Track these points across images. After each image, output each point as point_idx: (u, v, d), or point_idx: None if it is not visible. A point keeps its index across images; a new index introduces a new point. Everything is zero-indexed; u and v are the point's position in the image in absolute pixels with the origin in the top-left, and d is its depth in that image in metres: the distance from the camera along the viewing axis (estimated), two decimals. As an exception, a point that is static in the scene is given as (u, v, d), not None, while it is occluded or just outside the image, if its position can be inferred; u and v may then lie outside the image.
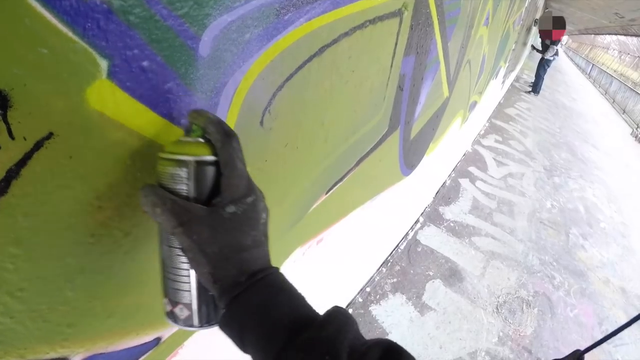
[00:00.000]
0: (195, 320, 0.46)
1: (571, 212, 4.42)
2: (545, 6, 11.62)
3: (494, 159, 5.01)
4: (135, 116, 0.42)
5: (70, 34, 0.34)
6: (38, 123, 0.34)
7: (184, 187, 0.43)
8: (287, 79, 0.64)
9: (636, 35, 10.93)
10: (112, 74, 0.38)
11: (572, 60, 37.41)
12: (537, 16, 9.72)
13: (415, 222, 3.15)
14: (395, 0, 0.98)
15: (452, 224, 3.32)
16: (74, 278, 0.46)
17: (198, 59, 0.47)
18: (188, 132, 0.45)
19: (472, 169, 4.49)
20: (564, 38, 40.48)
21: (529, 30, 9.02)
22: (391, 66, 1.13)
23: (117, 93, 0.39)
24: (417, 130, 1.89)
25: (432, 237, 3.07)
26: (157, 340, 0.66)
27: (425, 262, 2.81)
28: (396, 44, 1.10)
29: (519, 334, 2.52)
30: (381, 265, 2.62)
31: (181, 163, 0.42)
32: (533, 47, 10.94)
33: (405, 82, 1.35)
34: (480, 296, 2.70)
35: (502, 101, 7.98)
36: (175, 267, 0.45)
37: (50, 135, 0.35)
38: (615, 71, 21.42)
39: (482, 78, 3.66)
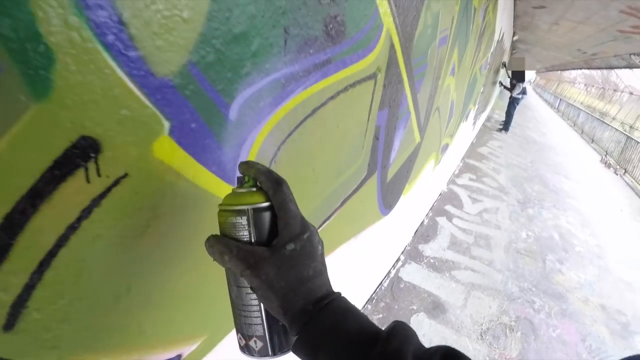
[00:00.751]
0: (269, 350, 0.49)
1: (546, 240, 4.55)
2: (512, 47, 12.10)
3: (469, 197, 5.16)
4: (183, 164, 0.55)
5: (146, 101, 0.47)
6: (118, 165, 0.46)
7: (246, 233, 0.47)
8: (288, 135, 0.79)
9: (599, 68, 11.53)
10: (171, 132, 0.51)
11: (540, 96, 37.76)
12: (505, 58, 10.09)
13: (397, 260, 3.23)
14: (370, 65, 1.15)
15: (432, 260, 3.42)
16: (120, 295, 0.55)
17: (227, 122, 0.60)
18: (241, 183, 0.50)
19: (448, 207, 4.63)
20: (532, 75, 41.12)
21: (497, 71, 9.37)
22: (368, 120, 1.30)
23: (173, 146, 0.52)
24: (393, 173, 2.05)
25: (414, 274, 3.15)
26: (179, 357, 0.73)
27: (409, 297, 2.88)
28: (372, 100, 1.27)
29: (505, 358, 2.59)
30: (366, 303, 2.67)
31: (241, 212, 0.46)
32: (500, 84, 11.29)
33: (381, 132, 1.52)
34: (464, 325, 2.77)
35: (474, 141, 8.17)
36: (245, 305, 0.49)
37: (125, 175, 0.47)
38: (582, 103, 21.98)
39: (452, 122, 3.89)
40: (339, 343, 0.45)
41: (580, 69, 14.54)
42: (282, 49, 0.67)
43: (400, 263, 3.23)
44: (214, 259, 0.47)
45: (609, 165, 10.76)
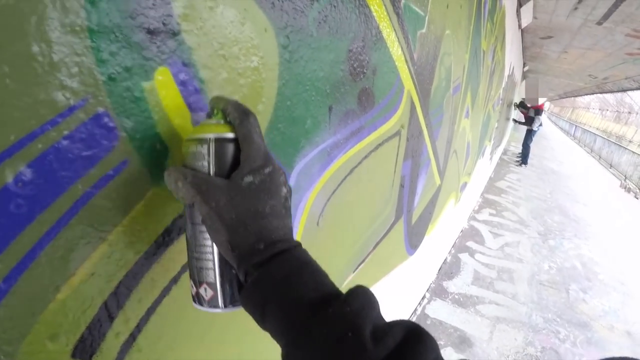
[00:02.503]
0: (220, 301, 0.44)
1: (569, 270, 4.38)
2: (524, 77, 11.83)
3: (490, 232, 5.03)
4: None
5: None
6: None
7: (205, 163, 0.42)
8: (332, 193, 0.87)
9: (611, 92, 11.19)
10: None
11: (555, 124, 36.57)
12: (516, 92, 9.82)
13: (422, 298, 3.19)
14: (395, 124, 1.24)
15: (456, 296, 3.35)
16: (205, 334, 0.62)
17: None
18: (209, 116, 0.46)
19: (470, 243, 4.54)
20: (547, 105, 39.12)
21: (509, 105, 9.16)
22: (394, 171, 1.37)
23: None
24: (417, 216, 2.09)
25: (439, 310, 3.09)
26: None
27: (436, 333, 2.81)
28: (397, 154, 1.35)
29: (533, 391, 2.45)
30: (395, 340, 2.64)
31: (202, 141, 0.42)
32: (515, 121, 10.80)
33: (405, 180, 1.59)
34: (491, 358, 2.68)
35: (492, 176, 7.96)
36: (199, 245, 0.43)
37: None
38: (597, 128, 20.66)
39: (469, 161, 3.92)
40: (291, 298, 0.39)
41: (593, 93, 14.14)
42: (328, 123, 0.76)
43: (425, 300, 3.19)
44: (169, 188, 0.42)
45: (628, 190, 10.24)
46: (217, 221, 0.40)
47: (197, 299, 0.44)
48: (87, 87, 0.39)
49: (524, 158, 9.83)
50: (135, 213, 0.45)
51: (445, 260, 4.01)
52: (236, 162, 0.43)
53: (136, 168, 0.44)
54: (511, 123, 11.73)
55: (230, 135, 0.43)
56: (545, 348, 2.92)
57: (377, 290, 1.67)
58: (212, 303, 0.44)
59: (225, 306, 0.44)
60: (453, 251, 4.26)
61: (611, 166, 13.97)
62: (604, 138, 16.58)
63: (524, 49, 7.47)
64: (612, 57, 5.91)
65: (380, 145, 1.12)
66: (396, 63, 1.15)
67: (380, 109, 1.05)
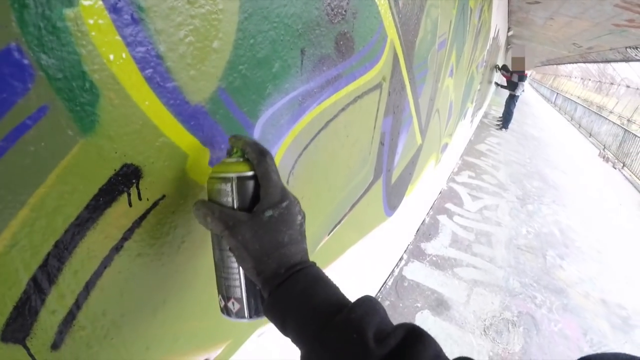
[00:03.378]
0: (246, 312, 0.51)
1: (547, 236, 4.54)
2: (508, 43, 11.85)
3: (469, 194, 5.13)
4: None
5: (182, 127, 0.49)
6: (157, 188, 0.48)
7: (229, 199, 0.48)
8: (304, 148, 0.81)
9: (595, 62, 11.36)
10: (210, 160, 0.53)
11: (537, 91, 37.01)
12: (500, 55, 9.82)
13: (400, 259, 3.25)
14: (376, 75, 1.17)
15: (434, 258, 3.43)
16: (158, 309, 0.57)
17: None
18: (230, 154, 0.51)
19: (448, 205, 4.63)
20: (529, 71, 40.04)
21: (492, 68, 9.17)
22: (374, 127, 1.31)
23: (207, 167, 0.54)
24: (396, 176, 2.06)
25: (417, 272, 3.17)
26: (206, 361, 0.76)
27: (413, 295, 2.89)
28: (377, 109, 1.29)
29: (508, 352, 2.60)
30: (372, 301, 2.69)
31: (225, 179, 0.48)
32: (497, 84, 10.93)
33: (386, 138, 1.53)
34: (468, 321, 2.79)
35: (472, 138, 8.06)
36: (226, 267, 0.51)
37: (163, 197, 0.49)
38: (579, 97, 21.11)
39: (451, 121, 3.91)
40: (306, 309, 0.46)
41: (577, 62, 14.28)
42: (299, 69, 0.68)
43: (403, 262, 3.25)
44: (199, 221, 0.49)
45: (607, 160, 10.62)
46: (243, 251, 0.47)
47: (226, 310, 0.52)
48: None
49: (505, 122, 9.99)
50: (60, 170, 0.38)
51: (424, 221, 4.07)
52: (256, 195, 0.49)
53: (59, 115, 0.37)
54: (493, 87, 11.84)
55: (250, 173, 0.49)
56: (522, 313, 3.06)
57: (354, 252, 1.66)
58: (239, 314, 0.51)
59: (251, 317, 0.52)
60: (431, 213, 4.33)
61: (590, 135, 14.33)
62: (585, 107, 16.94)
63: (510, 12, 7.42)
64: (598, 27, 5.89)
65: (359, 97, 1.04)
66: (379, 8, 1.07)
67: (360, 58, 0.97)
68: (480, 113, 9.75)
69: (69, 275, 0.43)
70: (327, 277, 0.51)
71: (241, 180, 0.49)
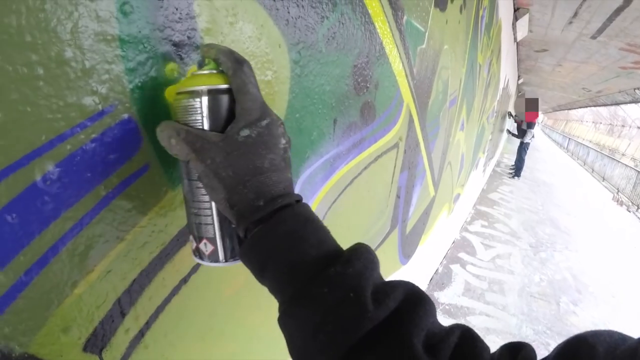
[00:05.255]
0: (220, 255, 0.43)
1: (560, 283, 4.41)
2: (518, 90, 11.87)
3: (482, 243, 5.05)
4: None
5: None
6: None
7: (199, 117, 0.40)
8: (333, 202, 0.90)
9: (605, 105, 11.30)
10: None
11: (549, 137, 36.32)
12: (511, 103, 9.78)
13: (412, 308, 3.21)
14: (394, 136, 1.28)
15: (447, 307, 3.38)
16: (205, 335, 0.64)
17: None
18: (201, 66, 0.43)
19: (461, 254, 4.56)
20: (540, 117, 38.51)
21: (504, 117, 9.17)
22: (392, 182, 1.41)
23: None
24: (411, 226, 2.13)
25: (429, 321, 3.11)
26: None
27: (424, 344, 2.83)
28: (395, 165, 1.39)
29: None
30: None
31: (194, 94, 0.40)
32: (509, 132, 10.81)
33: (401, 191, 1.62)
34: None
35: (485, 187, 7.96)
36: (196, 201, 0.42)
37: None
38: (591, 141, 20.52)
39: (463, 172, 3.98)
40: (292, 256, 0.38)
41: (587, 106, 14.17)
42: (332, 135, 0.80)
43: (416, 310, 3.20)
44: (163, 145, 0.41)
45: (621, 203, 10.28)
46: (213, 179, 0.39)
47: (198, 253, 0.44)
48: (116, 93, 0.42)
49: (517, 170, 9.81)
50: (152, 214, 0.48)
51: (437, 270, 4.03)
52: (231, 114, 0.40)
53: (155, 172, 0.47)
54: (505, 135, 11.78)
55: (224, 86, 0.40)
56: (535, 360, 2.92)
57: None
58: (213, 258, 0.43)
59: (226, 260, 0.44)
60: (445, 262, 4.28)
61: (604, 179, 13.97)
62: (597, 151, 16.58)
63: (519, 61, 7.55)
64: (605, 71, 6.01)
65: (379, 156, 1.15)
66: (397, 78, 1.19)
67: (380, 122, 1.09)
68: (493, 162, 9.69)
69: (145, 300, 0.51)
70: (317, 217, 0.42)
71: (213, 94, 0.40)
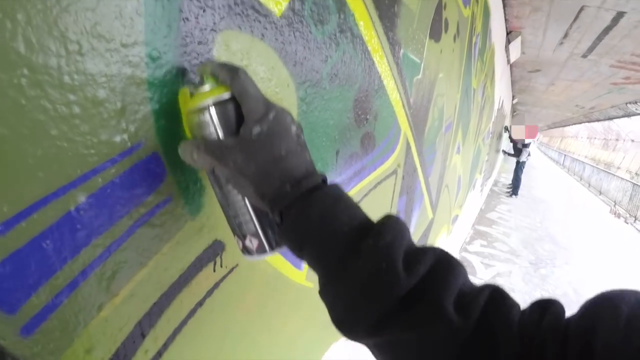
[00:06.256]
0: (266, 246, 0.46)
1: (561, 298, 4.16)
2: (513, 110, 11.97)
3: (481, 262, 5.04)
4: (275, 258, 0.69)
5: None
6: (232, 259, 0.60)
7: (212, 129, 0.43)
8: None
9: (598, 120, 11.39)
10: None
11: (545, 154, 36.42)
12: (507, 121, 9.82)
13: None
14: (392, 163, 1.32)
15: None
16: (218, 356, 0.67)
17: None
18: (201, 84, 0.45)
19: None
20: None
21: (499, 137, 9.18)
22: (391, 207, 1.44)
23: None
24: (409, 249, 2.15)
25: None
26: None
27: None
28: (393, 191, 1.43)
29: None
30: None
31: (202, 109, 0.43)
32: (504, 152, 10.83)
33: (400, 215, 1.65)
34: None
35: (483, 207, 7.96)
36: (231, 204, 0.46)
37: (237, 265, 0.61)
38: (586, 157, 20.60)
39: (460, 194, 4.01)
40: (326, 235, 0.41)
41: (581, 123, 14.27)
42: (335, 165, 0.84)
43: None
44: (187, 162, 0.44)
45: (618, 215, 10.29)
46: (240, 178, 0.42)
47: (247, 251, 0.47)
48: (143, 131, 0.45)
49: (514, 189, 9.81)
50: (173, 242, 0.51)
51: (435, 293, 3.98)
52: (240, 117, 0.43)
53: (177, 203, 0.51)
54: (501, 154, 11.77)
55: (227, 95, 0.43)
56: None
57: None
58: (260, 250, 0.47)
59: (272, 249, 0.47)
60: (443, 284, 4.22)
61: (600, 193, 14.01)
62: (593, 166, 16.63)
63: (513, 82, 7.64)
64: (598, 87, 6.10)
65: (378, 183, 1.19)
66: (394, 108, 1.25)
67: (379, 151, 1.13)
68: (490, 182, 9.68)
69: (164, 322, 0.54)
70: (346, 195, 0.45)
71: (218, 105, 0.43)
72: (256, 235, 0.46)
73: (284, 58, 0.66)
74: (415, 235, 2.20)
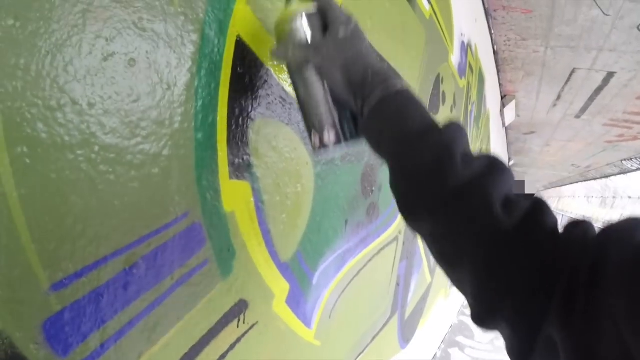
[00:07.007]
0: (341, 136, 0.52)
1: None
2: None
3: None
4: (286, 315, 0.76)
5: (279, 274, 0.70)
6: (253, 316, 0.67)
7: (302, 34, 0.50)
8: (343, 291, 1.00)
9: (595, 179, 11.26)
10: (287, 298, 0.73)
11: None
12: None
13: (412, 397, 3.07)
14: (394, 230, 1.41)
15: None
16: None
17: (312, 286, 0.82)
18: (288, 2, 0.53)
19: (459, 338, 4.32)
20: None
21: None
22: (392, 271, 1.50)
23: (286, 307, 0.74)
24: (410, 311, 2.15)
25: (428, 412, 2.95)
26: None
27: None
28: (395, 257, 1.50)
29: None
30: None
31: (294, 19, 0.50)
32: None
33: (401, 280, 1.70)
34: None
35: None
36: (313, 97, 0.52)
37: (256, 322, 0.68)
38: (584, 216, 20.20)
39: (458, 262, 3.99)
40: (401, 128, 0.46)
41: (578, 182, 14.17)
42: (344, 233, 0.93)
43: (415, 400, 3.05)
44: (280, 59, 0.54)
45: None
46: (331, 65, 0.49)
47: (322, 143, 0.52)
48: (189, 204, 0.54)
49: None
50: (206, 301, 0.59)
51: (435, 355, 3.88)
52: (324, 28, 0.51)
53: (212, 266, 0.59)
54: None
55: (314, 9, 0.51)
56: None
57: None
58: (337, 140, 0.52)
59: (347, 140, 0.53)
60: (443, 346, 4.12)
61: None
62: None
63: (509, 144, 7.58)
64: (592, 146, 6.08)
65: (381, 249, 1.27)
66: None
67: (383, 219, 1.23)
68: None
69: (192, 372, 0.60)
70: (415, 97, 0.50)
71: (309, 16, 0.50)
72: (334, 126, 0.52)
73: (304, 140, 0.77)
74: (415, 299, 2.22)
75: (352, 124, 0.54)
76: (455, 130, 0.46)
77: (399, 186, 0.47)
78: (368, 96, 0.49)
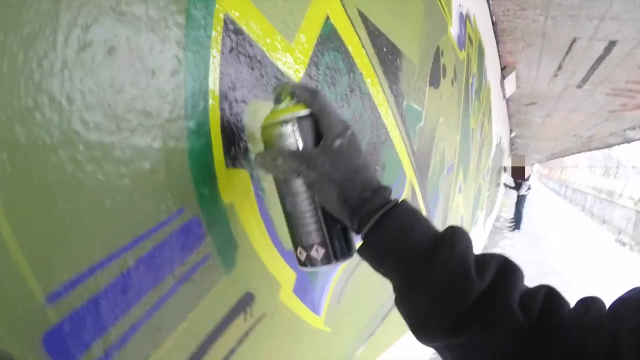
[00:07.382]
0: (331, 255, 0.47)
1: None
2: (511, 144, 11.91)
3: None
4: (294, 304, 0.73)
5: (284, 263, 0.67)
6: (260, 309, 0.64)
7: (293, 141, 0.45)
8: (350, 275, 0.98)
9: (597, 149, 11.20)
10: (294, 287, 0.71)
11: (545, 186, 35.55)
12: (505, 158, 9.72)
13: (423, 369, 3.13)
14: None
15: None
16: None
17: (319, 274, 0.80)
18: (278, 102, 0.48)
19: None
20: (536, 168, 38.10)
21: (499, 171, 9.10)
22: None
23: (293, 296, 0.71)
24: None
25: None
26: None
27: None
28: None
29: None
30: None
31: (285, 122, 0.45)
32: (505, 185, 10.68)
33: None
34: None
35: (486, 243, 7.76)
36: (302, 213, 0.47)
37: (264, 314, 0.65)
38: (587, 186, 20.16)
39: (463, 232, 3.98)
40: (406, 247, 0.44)
41: (580, 152, 14.05)
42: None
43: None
44: (266, 170, 0.48)
45: (623, 244, 9.98)
46: (326, 181, 0.45)
47: (309, 261, 0.48)
48: (185, 198, 0.51)
49: (516, 223, 9.60)
50: (209, 297, 0.56)
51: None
52: (316, 134, 0.47)
53: (214, 262, 0.56)
54: (502, 189, 11.60)
55: (308, 112, 0.46)
56: None
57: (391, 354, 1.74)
58: (325, 260, 0.47)
59: (337, 259, 0.48)
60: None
61: (604, 222, 13.61)
62: (594, 195, 16.28)
63: (510, 116, 7.63)
64: (594, 117, 6.05)
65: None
66: (400, 157, 1.31)
67: (388, 198, 1.20)
68: (492, 217, 9.48)
69: (200, 369, 0.58)
70: (416, 209, 0.48)
71: (301, 120, 0.46)
72: (323, 244, 0.47)
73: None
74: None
75: (344, 240, 0.50)
76: (461, 239, 0.44)
77: (408, 307, 0.46)
78: (366, 214, 0.45)
